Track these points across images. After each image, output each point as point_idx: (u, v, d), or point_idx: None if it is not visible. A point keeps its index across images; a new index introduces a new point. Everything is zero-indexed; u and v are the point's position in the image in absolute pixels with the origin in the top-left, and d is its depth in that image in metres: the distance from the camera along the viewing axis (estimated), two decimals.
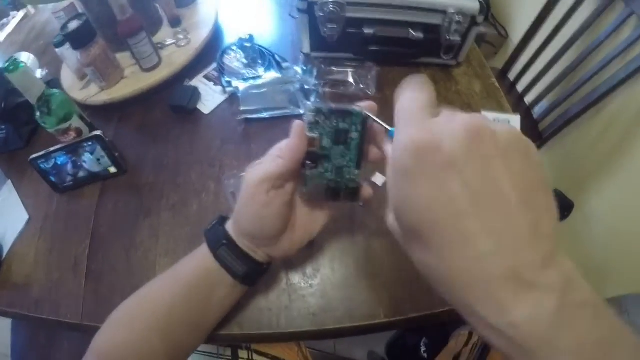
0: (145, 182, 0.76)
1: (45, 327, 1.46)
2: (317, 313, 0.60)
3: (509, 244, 0.25)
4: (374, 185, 0.71)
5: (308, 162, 0.43)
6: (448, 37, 0.80)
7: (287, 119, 0.79)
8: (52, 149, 0.73)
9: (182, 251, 0.67)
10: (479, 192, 0.25)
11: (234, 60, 0.87)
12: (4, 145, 0.86)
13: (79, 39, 0.78)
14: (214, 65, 0.89)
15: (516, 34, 1.73)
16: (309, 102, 0.37)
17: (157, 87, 0.85)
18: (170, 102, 0.83)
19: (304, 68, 0.82)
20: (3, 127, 0.86)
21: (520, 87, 1.51)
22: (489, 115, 0.76)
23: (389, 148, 0.38)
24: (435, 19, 0.79)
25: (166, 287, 0.51)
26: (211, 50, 0.91)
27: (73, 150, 0.73)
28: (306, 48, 0.86)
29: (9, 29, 2.66)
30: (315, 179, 0.44)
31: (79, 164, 0.75)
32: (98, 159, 0.75)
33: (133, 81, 0.87)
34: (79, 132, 0.74)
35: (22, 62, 0.65)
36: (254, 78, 0.81)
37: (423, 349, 1.00)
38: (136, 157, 0.80)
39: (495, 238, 0.25)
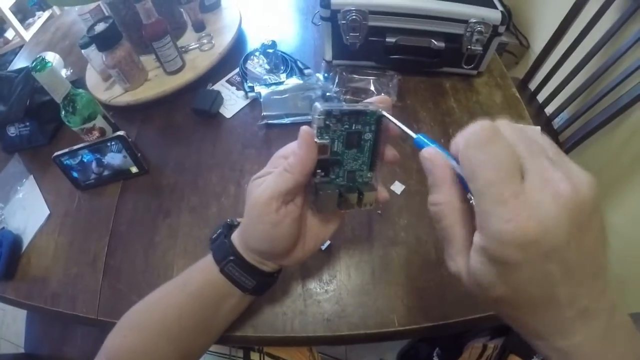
0: (166, 183, 0.77)
1: (59, 321, 1.48)
2: (331, 319, 0.60)
3: (583, 291, 0.27)
4: (392, 193, 0.71)
5: (318, 170, 0.40)
6: (469, 47, 0.80)
7: (308, 125, 0.79)
8: (76, 146, 0.74)
9: (200, 252, 0.66)
10: (573, 265, 0.26)
11: (257, 65, 0.88)
12: (27, 141, 0.88)
13: (105, 41, 0.80)
14: (237, 70, 0.90)
15: (538, 44, 1.71)
16: (317, 104, 0.34)
17: (180, 90, 0.86)
18: (193, 105, 0.84)
19: (326, 75, 0.83)
20: (27, 123, 0.87)
21: (541, 97, 1.50)
22: None
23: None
24: (457, 29, 0.79)
25: (175, 296, 0.50)
26: (234, 55, 0.92)
27: (97, 149, 0.75)
28: (328, 55, 0.87)
29: (34, 28, 2.73)
30: (326, 188, 0.40)
31: (103, 162, 0.76)
32: (119, 160, 0.76)
33: (156, 84, 0.88)
34: (102, 131, 0.76)
35: (49, 61, 0.66)
36: (276, 84, 0.82)
37: (435, 359, 0.99)
38: (158, 158, 0.81)
39: (576, 289, 0.27)
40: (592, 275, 0.27)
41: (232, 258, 0.46)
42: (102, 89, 0.91)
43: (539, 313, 0.28)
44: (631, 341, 0.30)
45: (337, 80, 0.83)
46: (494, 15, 0.77)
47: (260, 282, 0.49)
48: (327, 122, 0.38)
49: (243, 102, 0.86)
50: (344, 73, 0.84)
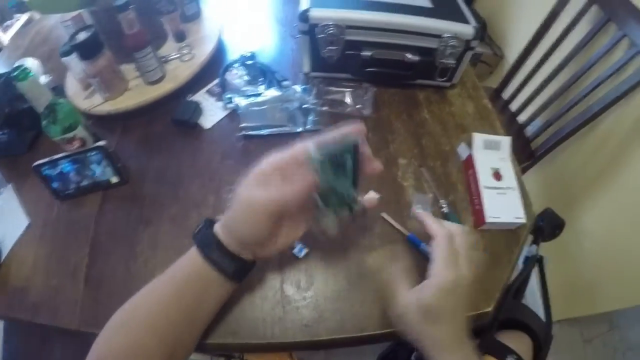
0: (147, 193, 0.78)
1: (38, 334, 1.44)
2: (310, 324, 0.62)
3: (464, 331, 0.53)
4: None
5: (317, 198, 0.49)
6: (443, 60, 0.83)
7: (286, 136, 0.82)
8: (56, 156, 0.74)
9: None
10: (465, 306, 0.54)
11: (236, 77, 0.89)
12: (5, 149, 0.87)
13: (87, 50, 0.79)
14: (217, 81, 0.91)
15: (512, 54, 1.77)
16: (311, 151, 0.42)
17: (160, 100, 0.87)
18: (174, 116, 0.85)
19: (304, 87, 0.85)
20: (5, 131, 0.85)
21: (513, 106, 1.54)
22: (481, 137, 0.78)
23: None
24: (431, 43, 0.82)
25: (160, 290, 0.53)
26: (214, 66, 0.93)
27: (78, 159, 0.74)
28: (306, 68, 0.89)
29: (12, 31, 2.68)
30: (327, 215, 0.51)
31: (83, 172, 0.76)
32: (99, 170, 0.76)
33: (137, 93, 0.88)
34: (83, 141, 0.76)
35: (31, 71, 0.66)
36: (254, 95, 0.83)
37: None
38: (138, 168, 0.81)
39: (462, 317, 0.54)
40: (464, 315, 0.54)
41: (215, 246, 0.51)
42: (82, 97, 0.90)
43: (447, 326, 0.52)
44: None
45: (314, 92, 0.84)
46: (467, 30, 0.80)
47: (238, 267, 0.53)
48: (321, 167, 0.46)
49: (222, 113, 0.87)
50: (321, 85, 0.86)
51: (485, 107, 0.90)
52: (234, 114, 0.86)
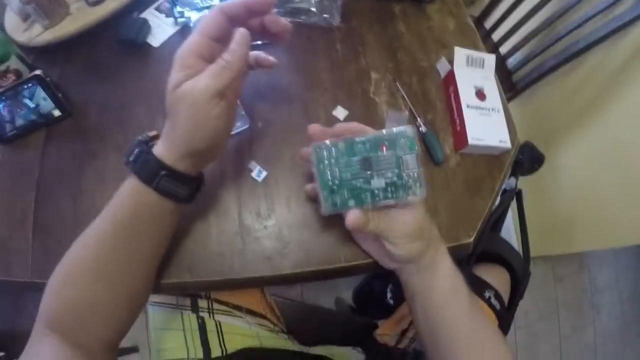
0: (90, 124, 0.70)
1: (6, 293, 1.42)
2: (272, 257, 0.57)
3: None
4: (334, 119, 0.68)
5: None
6: None
7: None
8: None
9: None
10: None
11: None
12: None
13: None
14: None
15: None
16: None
17: (104, 22, 0.77)
18: (118, 36, 0.75)
19: None
20: None
21: (495, 36, 1.48)
22: (464, 52, 0.71)
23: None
24: None
25: (105, 231, 0.47)
26: None
27: (12, 95, 0.67)
28: None
29: None
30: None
31: (19, 110, 0.68)
32: (38, 103, 0.68)
33: (79, 17, 0.78)
34: (18, 74, 0.69)
35: None
36: (207, 7, 0.75)
37: (389, 295, 1.00)
38: (82, 98, 0.73)
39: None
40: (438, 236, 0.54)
41: (164, 173, 0.46)
42: (22, 30, 0.80)
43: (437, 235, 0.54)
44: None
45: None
46: None
47: (192, 187, 0.49)
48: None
49: (172, 30, 0.77)
50: None
51: (467, 26, 0.83)
52: (185, 30, 0.76)
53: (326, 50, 0.75)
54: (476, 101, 0.68)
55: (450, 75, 0.71)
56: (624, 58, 1.19)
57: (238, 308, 0.72)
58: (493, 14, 1.47)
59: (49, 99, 0.68)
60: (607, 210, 1.35)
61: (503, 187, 0.77)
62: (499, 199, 0.89)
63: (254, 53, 0.55)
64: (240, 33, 0.46)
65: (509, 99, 1.41)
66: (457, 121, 0.68)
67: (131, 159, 0.47)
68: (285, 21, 0.52)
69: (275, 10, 0.73)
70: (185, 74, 0.44)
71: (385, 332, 0.87)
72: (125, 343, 1.26)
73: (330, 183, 0.47)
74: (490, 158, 0.68)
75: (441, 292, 0.52)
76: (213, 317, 0.69)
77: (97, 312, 0.47)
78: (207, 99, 0.43)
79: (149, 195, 0.46)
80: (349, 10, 0.78)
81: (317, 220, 0.59)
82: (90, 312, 0.47)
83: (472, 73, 0.71)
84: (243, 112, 0.65)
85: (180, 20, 0.76)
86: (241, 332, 0.71)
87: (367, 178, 0.46)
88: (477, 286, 0.79)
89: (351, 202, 0.47)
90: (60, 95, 0.69)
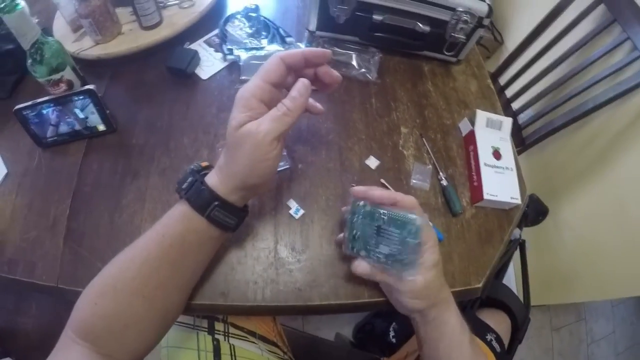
0: (135, 143, 0.74)
1: (14, 291, 1.39)
2: (302, 288, 0.61)
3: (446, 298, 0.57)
4: (366, 168, 0.73)
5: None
6: (453, 34, 0.81)
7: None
8: (40, 99, 0.69)
9: None
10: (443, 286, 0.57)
11: (238, 28, 0.85)
12: None
13: None
14: (216, 31, 0.87)
15: (511, 41, 1.76)
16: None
17: (155, 47, 0.82)
18: (168, 63, 0.80)
19: (308, 45, 0.82)
20: None
21: (508, 92, 1.54)
22: (485, 115, 0.77)
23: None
24: (443, 15, 0.79)
25: (152, 250, 0.49)
26: (214, 16, 0.88)
27: (63, 103, 0.70)
28: (312, 25, 0.85)
29: None
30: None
31: (68, 118, 0.71)
32: (87, 116, 0.71)
33: (131, 38, 0.84)
34: (70, 84, 0.72)
35: (19, 2, 0.61)
36: (256, 49, 0.80)
37: (392, 334, 1.02)
38: (127, 116, 0.77)
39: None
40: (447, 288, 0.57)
41: (216, 203, 0.49)
42: (71, 40, 0.85)
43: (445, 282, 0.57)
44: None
45: None
46: (480, 6, 0.78)
47: (239, 219, 0.53)
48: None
49: (221, 65, 0.83)
50: (325, 45, 0.83)
51: (488, 87, 0.89)
52: (233, 67, 0.82)
53: (362, 103, 0.81)
54: (493, 160, 0.74)
55: (471, 135, 0.77)
56: (629, 120, 1.23)
57: (252, 334, 0.75)
58: (508, 71, 1.54)
59: (97, 113, 0.71)
60: (606, 263, 1.37)
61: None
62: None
63: None
64: (302, 83, 0.50)
65: (519, 153, 1.46)
66: (475, 177, 0.73)
67: (184, 186, 0.50)
68: (337, 73, 0.56)
69: None
70: (248, 115, 0.48)
71: None
72: None
73: (353, 232, 0.54)
74: (501, 212, 0.73)
75: (447, 345, 0.55)
76: (228, 340, 0.70)
77: (131, 326, 0.48)
78: (269, 141, 0.47)
79: (198, 223, 0.49)
80: (384, 66, 0.85)
81: (344, 259, 0.63)
82: (125, 325, 0.47)
83: (491, 134, 0.77)
84: (285, 153, 0.70)
85: (229, 57, 0.81)
86: (254, 357, 0.72)
87: (377, 241, 0.53)
88: (480, 329, 0.83)
89: (363, 253, 0.54)
90: (108, 111, 0.72)
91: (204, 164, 0.54)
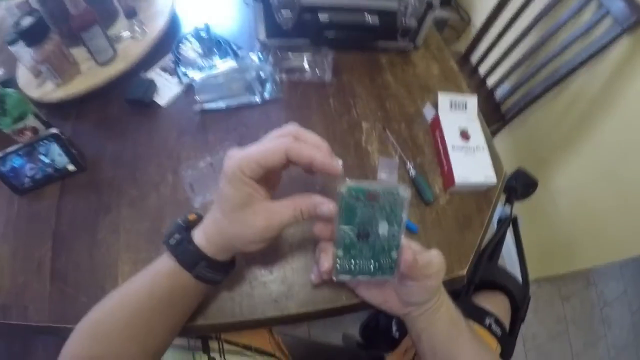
0: (104, 178, 0.74)
1: (17, 335, 1.43)
2: (278, 299, 0.61)
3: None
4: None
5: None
6: (404, 22, 0.81)
7: (243, 107, 0.79)
8: (7, 150, 0.70)
9: (143, 245, 0.66)
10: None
11: (190, 50, 0.85)
12: None
13: (32, 36, 0.76)
14: (170, 55, 0.87)
15: (479, 19, 1.75)
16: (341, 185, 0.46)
17: (113, 81, 0.83)
18: (127, 95, 0.81)
19: (260, 55, 0.82)
20: None
21: (482, 70, 1.54)
22: (447, 97, 0.77)
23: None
24: (391, 3, 0.79)
25: (142, 302, 0.50)
26: (167, 41, 0.89)
27: (28, 151, 0.71)
28: (262, 35, 0.85)
29: None
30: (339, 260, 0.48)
31: (36, 164, 0.72)
32: (54, 158, 0.72)
33: (89, 76, 0.84)
34: (34, 130, 0.72)
35: None
36: (210, 68, 0.80)
37: (395, 327, 1.01)
38: (94, 153, 0.78)
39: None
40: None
41: (204, 263, 0.49)
42: (34, 86, 0.86)
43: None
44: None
45: (270, 60, 0.81)
46: None
47: (227, 274, 0.54)
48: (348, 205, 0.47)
49: (177, 89, 0.83)
50: (278, 52, 0.83)
51: (451, 69, 0.89)
52: (189, 89, 0.82)
53: (320, 105, 0.81)
54: (461, 142, 0.73)
55: (436, 120, 0.76)
56: (605, 78, 1.23)
57: (247, 347, 0.74)
58: (478, 49, 1.53)
59: (64, 155, 0.72)
60: (606, 224, 1.37)
61: (496, 217, 0.81)
62: (494, 229, 0.93)
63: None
64: (329, 208, 0.47)
65: (499, 129, 1.46)
66: (444, 162, 0.73)
67: (171, 242, 0.50)
68: (339, 168, 0.47)
69: (271, 69, 0.79)
70: (247, 193, 0.45)
71: None
72: None
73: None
74: (479, 194, 0.73)
75: (445, 328, 0.55)
76: (224, 357, 0.71)
77: None
78: (275, 233, 0.47)
79: (186, 279, 0.49)
80: (340, 65, 0.85)
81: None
82: None
83: (456, 116, 0.76)
84: None
85: (185, 80, 0.81)
86: None
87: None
88: (477, 314, 0.81)
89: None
90: (74, 151, 0.73)
91: (192, 217, 0.53)
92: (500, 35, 1.43)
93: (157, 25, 0.89)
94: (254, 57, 0.81)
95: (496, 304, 0.87)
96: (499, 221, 0.98)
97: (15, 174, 0.72)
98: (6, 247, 0.70)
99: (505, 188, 0.94)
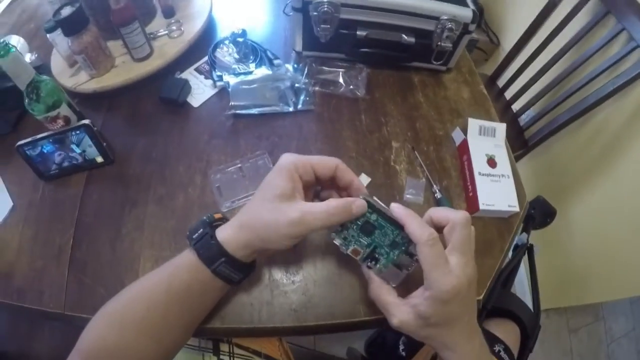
0: (132, 173, 0.75)
1: (26, 317, 1.44)
2: (298, 309, 0.61)
3: (472, 319, 0.50)
4: None
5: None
6: (439, 44, 0.81)
7: (276, 116, 0.80)
8: (39, 136, 0.71)
9: (166, 244, 0.67)
10: (467, 304, 0.48)
11: (226, 54, 0.86)
12: None
13: (71, 26, 0.77)
14: (206, 58, 0.89)
15: (508, 42, 1.75)
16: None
17: (147, 77, 0.84)
18: (161, 94, 0.82)
19: (295, 66, 0.83)
20: None
21: (508, 94, 1.53)
22: (476, 123, 0.77)
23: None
24: (428, 25, 0.80)
25: (159, 296, 0.50)
26: (203, 43, 0.90)
27: (60, 138, 0.72)
28: (298, 46, 0.86)
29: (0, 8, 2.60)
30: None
31: (66, 152, 0.73)
32: (84, 149, 0.73)
33: (124, 70, 0.86)
34: (67, 120, 0.73)
35: (13, 46, 0.63)
36: (245, 73, 0.81)
37: (401, 347, 1.01)
38: (124, 147, 0.79)
39: (469, 317, 0.50)
40: (473, 311, 0.50)
41: (223, 259, 0.49)
42: (68, 75, 0.87)
43: (451, 329, 0.48)
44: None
45: (306, 72, 0.82)
46: (465, 13, 0.78)
47: (246, 274, 0.53)
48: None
49: (211, 92, 0.84)
50: (313, 64, 0.84)
51: (481, 93, 0.89)
52: (223, 93, 0.83)
53: (351, 120, 0.82)
54: (487, 169, 0.73)
55: (464, 145, 0.76)
56: (632, 112, 1.22)
57: (257, 353, 0.75)
58: (506, 73, 1.53)
59: (94, 146, 0.73)
60: (620, 260, 1.35)
61: (513, 245, 0.81)
62: (509, 256, 0.93)
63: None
64: (361, 205, 0.49)
65: (522, 155, 1.45)
66: (470, 188, 0.73)
67: (194, 236, 0.51)
68: (364, 189, 0.54)
69: (306, 80, 0.80)
70: (292, 187, 0.49)
71: None
72: None
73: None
74: (500, 220, 0.72)
75: None
76: None
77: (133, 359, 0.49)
78: (305, 229, 0.47)
79: (204, 275, 0.50)
80: (373, 81, 0.86)
81: (339, 278, 0.63)
82: (129, 358, 0.49)
83: (484, 142, 0.77)
84: None
85: (219, 83, 0.83)
86: None
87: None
88: (488, 340, 0.80)
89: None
90: (104, 144, 0.74)
91: (217, 215, 0.55)
92: (529, 61, 1.42)
93: (194, 26, 0.91)
94: (289, 67, 0.82)
95: (507, 332, 0.86)
96: (515, 248, 0.98)
97: (43, 159, 0.73)
98: (27, 230, 0.71)
99: (523, 215, 0.93)
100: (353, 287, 0.62)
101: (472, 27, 0.80)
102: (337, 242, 0.52)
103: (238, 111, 0.79)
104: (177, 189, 0.72)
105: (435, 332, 0.48)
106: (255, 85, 0.79)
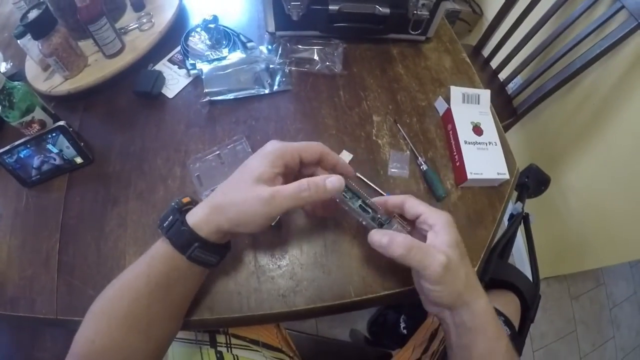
0: (112, 170, 0.74)
1: (25, 327, 1.45)
2: (286, 294, 0.60)
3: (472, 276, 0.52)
4: None
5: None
6: (416, 12, 0.79)
7: (252, 99, 0.79)
8: (15, 143, 0.70)
9: (150, 238, 0.66)
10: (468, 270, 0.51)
11: (198, 42, 0.84)
12: None
13: (39, 29, 0.75)
14: (178, 48, 0.86)
15: (491, 12, 1.73)
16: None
17: (121, 73, 0.82)
18: (134, 88, 0.80)
19: (269, 47, 0.81)
20: None
21: (494, 63, 1.52)
22: (459, 90, 0.75)
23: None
24: None
25: (140, 289, 0.50)
26: (176, 34, 0.88)
27: (36, 143, 0.71)
28: (271, 27, 0.84)
29: None
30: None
31: (44, 156, 0.72)
32: (61, 150, 0.72)
33: (97, 69, 0.84)
34: (42, 123, 0.72)
35: None
36: (218, 59, 0.79)
37: (402, 325, 1.01)
38: (103, 146, 0.77)
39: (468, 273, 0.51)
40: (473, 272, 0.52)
41: (197, 244, 0.48)
42: (42, 79, 0.86)
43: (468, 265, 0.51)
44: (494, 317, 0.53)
45: (280, 52, 0.80)
46: None
47: (222, 256, 0.53)
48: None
49: (185, 81, 0.82)
50: (287, 44, 0.82)
51: (463, 61, 0.87)
52: (197, 81, 0.81)
53: (330, 97, 0.80)
54: (474, 137, 0.72)
55: (448, 114, 0.74)
56: (619, 74, 1.21)
57: (255, 342, 0.74)
58: (490, 42, 1.51)
59: (71, 147, 0.72)
60: (618, 225, 1.35)
61: (507, 214, 0.79)
62: (505, 226, 0.91)
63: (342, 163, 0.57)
64: (338, 179, 0.50)
65: (511, 124, 1.43)
66: (456, 157, 0.71)
67: (165, 224, 0.50)
68: (350, 168, 0.57)
69: (280, 61, 0.78)
70: (274, 172, 0.49)
71: None
72: None
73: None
74: (491, 189, 0.71)
75: (480, 354, 0.51)
76: (231, 351, 0.71)
77: (130, 358, 0.49)
78: (277, 208, 0.47)
79: (180, 262, 0.49)
80: (350, 57, 0.83)
81: (326, 260, 0.62)
82: (124, 358, 0.49)
83: (469, 109, 0.75)
84: None
85: (193, 72, 0.81)
86: None
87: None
88: None
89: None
90: (82, 144, 0.73)
91: (186, 199, 0.54)
92: (513, 28, 1.40)
93: (165, 18, 0.88)
94: (263, 49, 0.80)
95: (506, 303, 0.85)
96: (510, 218, 0.96)
97: (22, 165, 0.72)
98: (15, 240, 0.70)
99: (517, 185, 0.92)
100: (340, 269, 0.61)
101: None
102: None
103: (213, 98, 0.77)
104: (157, 183, 0.71)
105: (467, 270, 0.51)
106: (229, 70, 0.77)
